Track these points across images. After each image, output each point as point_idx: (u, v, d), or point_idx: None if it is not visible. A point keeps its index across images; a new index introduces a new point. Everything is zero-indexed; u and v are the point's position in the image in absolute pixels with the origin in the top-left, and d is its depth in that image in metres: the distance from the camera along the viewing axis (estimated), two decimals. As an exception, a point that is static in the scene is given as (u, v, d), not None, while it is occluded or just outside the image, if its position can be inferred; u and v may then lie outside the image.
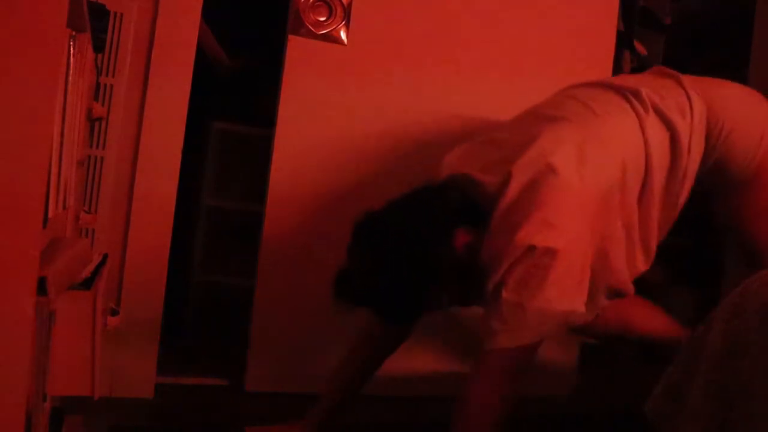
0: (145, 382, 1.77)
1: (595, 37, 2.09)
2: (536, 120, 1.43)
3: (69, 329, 0.79)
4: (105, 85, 1.68)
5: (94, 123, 1.61)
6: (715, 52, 2.82)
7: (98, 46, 1.48)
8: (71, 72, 0.89)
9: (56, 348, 0.77)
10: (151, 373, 1.78)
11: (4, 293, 0.62)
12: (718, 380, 1.05)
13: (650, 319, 1.69)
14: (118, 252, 1.71)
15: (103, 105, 1.66)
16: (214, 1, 1.91)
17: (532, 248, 1.24)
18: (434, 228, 1.30)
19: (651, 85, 1.46)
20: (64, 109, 0.85)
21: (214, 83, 2.23)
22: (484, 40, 2.00)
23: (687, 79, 1.48)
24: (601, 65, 2.09)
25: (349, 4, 1.88)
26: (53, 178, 0.80)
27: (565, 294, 1.27)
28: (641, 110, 1.39)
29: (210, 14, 1.96)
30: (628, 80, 1.56)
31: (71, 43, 0.87)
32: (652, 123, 1.39)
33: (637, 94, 1.41)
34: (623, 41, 2.50)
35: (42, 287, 0.65)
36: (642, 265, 1.45)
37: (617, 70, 2.33)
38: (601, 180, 1.33)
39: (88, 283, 0.86)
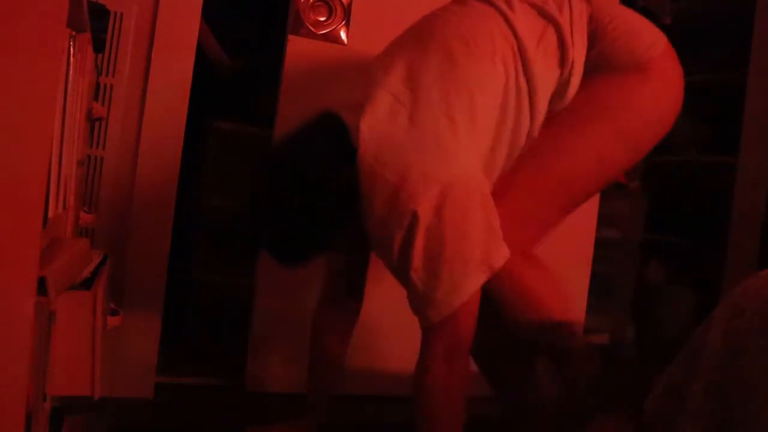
0: (145, 382, 1.77)
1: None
2: (387, 63, 1.32)
3: (69, 329, 0.79)
4: (105, 85, 1.68)
5: (94, 123, 1.61)
6: (715, 52, 2.82)
7: (98, 46, 1.48)
8: (71, 72, 0.89)
9: (56, 348, 0.77)
10: (151, 373, 1.78)
11: (4, 293, 0.62)
12: (718, 380, 1.05)
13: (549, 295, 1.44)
14: (118, 252, 1.71)
15: (103, 105, 1.66)
16: (214, 1, 1.91)
17: (415, 214, 1.17)
18: (312, 165, 1.27)
19: None
20: (64, 109, 0.85)
21: (214, 83, 2.23)
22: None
23: None
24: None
25: (349, 4, 1.88)
26: (53, 178, 0.80)
27: (470, 243, 1.19)
28: (507, 9, 1.33)
29: (210, 14, 1.96)
30: None
31: (71, 43, 0.87)
32: (524, 18, 1.32)
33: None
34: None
35: (42, 287, 0.65)
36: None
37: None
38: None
39: (88, 283, 0.86)
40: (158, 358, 1.79)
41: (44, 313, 0.70)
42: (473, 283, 1.20)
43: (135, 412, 1.70)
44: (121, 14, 1.69)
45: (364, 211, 1.23)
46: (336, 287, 1.54)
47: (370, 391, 1.56)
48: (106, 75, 1.68)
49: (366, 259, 1.51)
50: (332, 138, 1.27)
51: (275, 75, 1.89)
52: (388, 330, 1.85)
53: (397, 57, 1.31)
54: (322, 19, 1.87)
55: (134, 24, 1.71)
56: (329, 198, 1.26)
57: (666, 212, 2.86)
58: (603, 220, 2.17)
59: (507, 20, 1.31)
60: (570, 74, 1.32)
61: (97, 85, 1.63)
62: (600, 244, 2.19)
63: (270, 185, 1.31)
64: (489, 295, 1.28)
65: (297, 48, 1.85)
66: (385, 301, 1.59)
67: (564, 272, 2.10)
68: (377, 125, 1.22)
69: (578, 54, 1.33)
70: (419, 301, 1.22)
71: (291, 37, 1.84)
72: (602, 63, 1.34)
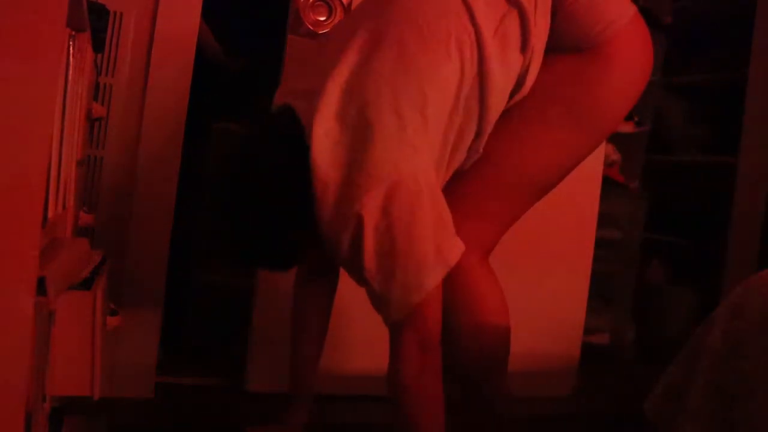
0: (145, 382, 1.77)
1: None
2: (338, 49, 1.25)
3: (69, 329, 0.79)
4: (105, 85, 1.68)
5: (94, 123, 1.61)
6: (715, 52, 2.82)
7: (98, 46, 1.48)
8: (71, 72, 0.89)
9: (56, 348, 0.77)
10: (151, 373, 1.78)
11: (4, 293, 0.62)
12: (718, 380, 1.05)
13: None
14: (118, 252, 1.70)
15: (103, 105, 1.66)
16: (214, 1, 1.91)
17: (359, 215, 1.13)
18: (267, 165, 1.23)
19: None
20: (64, 109, 0.85)
21: (214, 83, 2.23)
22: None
23: None
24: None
25: (349, 4, 1.88)
26: (53, 178, 0.80)
27: (421, 241, 1.15)
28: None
29: (210, 14, 1.96)
30: None
31: (71, 42, 0.88)
32: (484, 1, 1.24)
33: None
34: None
35: (42, 287, 0.65)
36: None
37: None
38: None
39: (88, 283, 0.86)
40: (158, 358, 1.78)
41: (44, 313, 0.70)
42: (430, 280, 1.17)
43: (135, 412, 1.70)
44: (121, 14, 1.69)
45: (315, 212, 1.19)
46: (310, 261, 1.50)
47: (368, 392, 1.56)
48: (106, 75, 1.68)
49: None
50: (285, 136, 1.22)
51: (275, 75, 1.89)
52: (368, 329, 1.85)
53: (351, 38, 1.23)
54: (322, 18, 1.87)
55: (134, 24, 1.70)
56: (287, 199, 1.23)
57: (666, 212, 2.86)
58: (603, 220, 2.17)
59: (465, 2, 1.22)
60: (529, 62, 1.25)
61: (97, 84, 1.63)
62: (600, 244, 2.19)
63: (226, 190, 1.27)
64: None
65: (297, 48, 1.85)
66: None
67: (564, 272, 2.11)
68: (326, 123, 1.17)
69: (539, 40, 1.25)
70: (377, 301, 1.20)
71: (291, 37, 1.84)
72: (556, 44, 1.27)
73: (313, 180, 1.17)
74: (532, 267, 2.00)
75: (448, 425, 1.23)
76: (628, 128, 2.73)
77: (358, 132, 1.16)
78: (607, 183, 2.28)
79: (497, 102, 1.25)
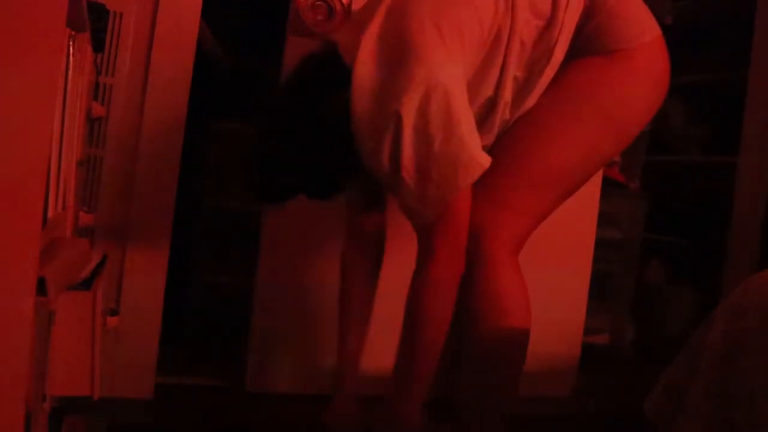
0: (145, 382, 1.77)
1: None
2: None
3: (69, 329, 0.79)
4: (105, 85, 1.68)
5: (94, 123, 1.61)
6: (715, 52, 2.82)
7: (98, 46, 1.48)
8: (71, 72, 0.89)
9: (56, 348, 0.77)
10: (151, 373, 1.78)
11: (4, 293, 0.62)
12: (718, 380, 1.05)
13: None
14: (118, 252, 1.70)
15: (102, 105, 1.66)
16: (214, 1, 1.91)
17: (398, 113, 1.20)
18: (313, 95, 1.32)
19: None
20: (63, 109, 0.85)
21: (214, 83, 2.23)
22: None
23: None
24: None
25: (349, 4, 1.88)
26: (53, 178, 0.80)
27: (457, 141, 1.21)
28: None
29: (210, 14, 1.96)
30: None
31: (71, 42, 0.88)
32: None
33: None
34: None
35: (41, 287, 0.65)
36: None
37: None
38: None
39: (88, 283, 0.86)
40: (158, 358, 1.78)
41: (44, 313, 0.70)
42: (464, 178, 1.22)
43: (135, 412, 1.70)
44: (121, 14, 1.69)
45: (355, 130, 1.26)
46: (357, 224, 1.57)
47: (368, 392, 1.56)
48: (106, 74, 1.68)
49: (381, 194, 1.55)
50: (328, 69, 1.31)
51: (275, 75, 1.88)
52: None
53: None
54: (322, 19, 1.87)
55: (134, 23, 1.70)
56: (331, 127, 1.29)
57: (666, 212, 2.86)
58: (603, 220, 2.17)
59: None
60: (558, 34, 1.32)
61: (97, 84, 1.63)
62: (600, 244, 2.19)
63: (273, 123, 1.37)
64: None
65: (297, 48, 1.84)
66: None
67: (564, 272, 2.11)
68: (371, 39, 1.25)
69: (569, 18, 1.33)
70: (413, 200, 1.24)
71: (291, 37, 1.84)
72: (589, 45, 1.34)
73: (353, 88, 1.24)
74: (531, 267, 1.99)
75: (448, 427, 1.23)
76: (628, 128, 2.73)
77: (399, 42, 1.23)
78: (607, 183, 2.28)
79: (527, 53, 1.31)
